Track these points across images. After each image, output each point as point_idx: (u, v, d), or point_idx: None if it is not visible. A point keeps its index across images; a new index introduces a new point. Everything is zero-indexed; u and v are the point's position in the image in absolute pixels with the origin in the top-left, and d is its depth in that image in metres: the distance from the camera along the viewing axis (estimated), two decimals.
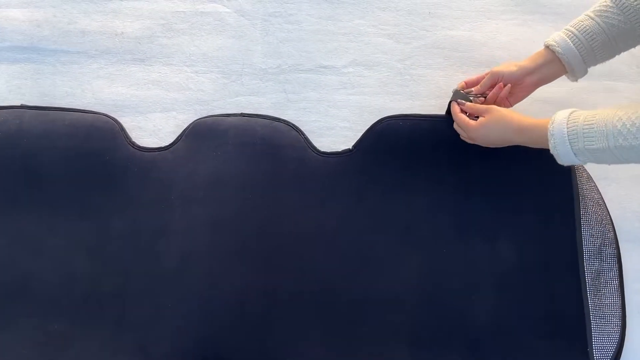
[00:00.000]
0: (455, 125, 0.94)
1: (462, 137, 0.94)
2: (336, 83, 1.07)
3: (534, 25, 1.12)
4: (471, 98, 0.94)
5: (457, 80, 1.01)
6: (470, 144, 0.93)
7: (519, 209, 0.97)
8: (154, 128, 1.03)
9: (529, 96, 0.93)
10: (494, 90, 0.91)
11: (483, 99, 0.93)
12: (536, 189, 0.97)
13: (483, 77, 0.93)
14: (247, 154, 0.98)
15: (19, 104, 1.02)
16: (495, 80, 0.91)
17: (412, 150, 0.99)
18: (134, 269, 0.92)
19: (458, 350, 0.90)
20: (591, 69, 0.88)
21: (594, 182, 0.99)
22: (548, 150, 0.79)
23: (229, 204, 0.95)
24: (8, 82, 1.04)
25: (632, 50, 0.85)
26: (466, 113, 0.92)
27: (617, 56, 0.87)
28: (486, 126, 0.87)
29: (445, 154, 0.99)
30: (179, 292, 0.91)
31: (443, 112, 1.01)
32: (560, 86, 0.94)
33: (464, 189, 0.97)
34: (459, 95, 0.94)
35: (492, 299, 0.92)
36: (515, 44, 1.10)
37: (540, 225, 0.96)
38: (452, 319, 0.91)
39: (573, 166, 0.98)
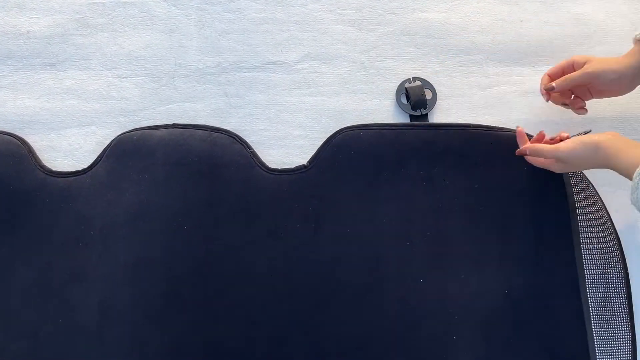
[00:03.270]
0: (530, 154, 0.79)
1: (540, 164, 0.79)
2: (288, 82, 0.90)
3: (522, 3, 0.95)
4: None
5: (432, 72, 0.84)
6: (437, 154, 0.78)
7: (505, 229, 0.81)
8: (69, 147, 0.86)
9: None
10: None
11: None
12: (524, 202, 0.82)
13: (565, 67, 0.80)
14: (181, 177, 0.82)
15: None
16: (586, 81, 0.77)
17: (376, 165, 0.83)
18: (43, 328, 0.76)
19: None
20: None
21: (595, 190, 0.83)
22: None
23: (158, 240, 0.79)
24: None
25: None
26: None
27: None
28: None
29: (415, 167, 0.83)
30: (98, 354, 0.75)
31: (415, 112, 0.85)
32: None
33: (439, 208, 0.82)
34: None
35: (478, 340, 0.77)
36: (501, 26, 0.93)
37: (531, 246, 0.81)
38: None
39: (567, 173, 0.82)
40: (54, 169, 0.84)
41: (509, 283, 0.79)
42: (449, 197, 0.82)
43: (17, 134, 0.85)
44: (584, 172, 0.84)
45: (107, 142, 0.86)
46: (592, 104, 0.82)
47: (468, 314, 0.78)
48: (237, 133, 0.86)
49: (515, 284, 0.79)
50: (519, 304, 0.79)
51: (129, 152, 0.84)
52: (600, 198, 0.83)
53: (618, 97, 0.80)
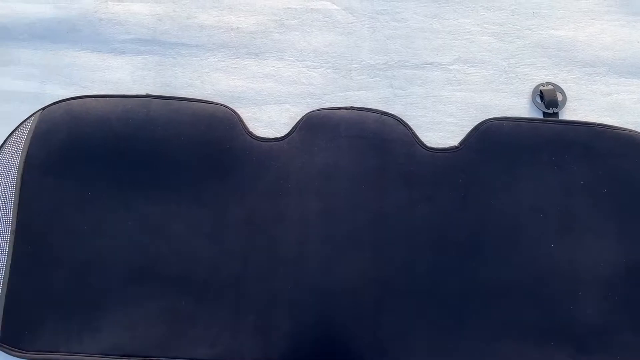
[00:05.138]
0: None
1: None
2: (442, 79, 1.11)
3: (638, 27, 1.13)
4: None
5: (561, 79, 1.04)
6: (566, 145, 0.98)
7: (624, 209, 0.99)
8: (269, 119, 1.09)
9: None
10: None
11: None
12: None
13: None
14: (359, 147, 1.03)
15: (144, 93, 1.08)
16: None
17: (515, 150, 1.02)
18: (251, 255, 0.98)
19: (566, 350, 0.93)
20: None
21: None
22: None
23: (342, 195, 1.00)
24: (133, 73, 1.11)
25: None
26: None
27: None
28: None
29: (547, 154, 1.02)
30: (295, 277, 0.96)
31: (548, 110, 1.04)
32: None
33: (567, 189, 1.00)
34: None
35: (600, 297, 0.95)
36: (620, 45, 1.12)
37: None
38: (559, 317, 0.94)
39: None
40: (258, 135, 1.06)
41: (626, 253, 0.97)
42: (575, 180, 1.01)
43: (230, 106, 1.08)
44: None
45: (299, 117, 1.07)
46: None
47: (591, 275, 0.96)
48: (401, 117, 1.07)
49: (632, 254, 0.97)
50: (635, 271, 0.96)
51: (318, 126, 1.06)
52: None
53: None
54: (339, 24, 1.14)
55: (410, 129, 1.06)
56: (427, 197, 1.01)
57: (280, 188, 1.02)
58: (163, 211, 1.00)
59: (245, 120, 1.07)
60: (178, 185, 1.02)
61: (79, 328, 0.95)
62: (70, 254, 0.98)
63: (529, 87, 1.09)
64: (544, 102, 1.08)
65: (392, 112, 1.07)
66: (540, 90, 1.08)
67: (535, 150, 1.02)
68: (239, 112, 1.07)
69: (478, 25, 1.14)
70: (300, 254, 0.98)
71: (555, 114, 1.07)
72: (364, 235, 0.99)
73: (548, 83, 1.09)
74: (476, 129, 1.05)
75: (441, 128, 1.07)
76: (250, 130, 1.06)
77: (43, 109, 1.07)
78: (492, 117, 1.06)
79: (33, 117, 1.06)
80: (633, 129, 1.03)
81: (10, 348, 0.94)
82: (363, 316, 0.95)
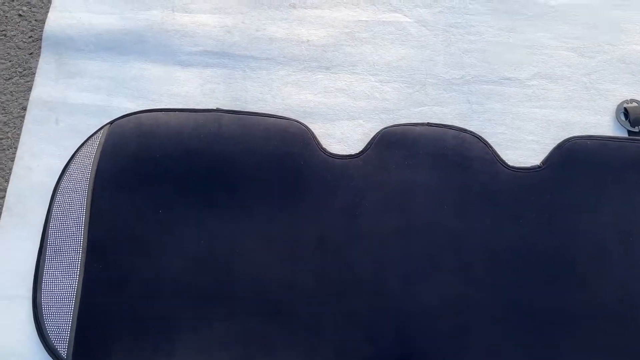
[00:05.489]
0: None
1: None
2: (521, 95, 1.07)
3: None
4: None
5: None
6: None
7: None
8: (341, 135, 1.05)
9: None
10: None
11: None
12: None
13: None
14: (439, 165, 1.00)
15: (214, 108, 1.06)
16: None
17: (601, 170, 0.98)
18: (326, 275, 0.95)
19: None
20: None
21: None
22: None
23: (422, 213, 0.97)
24: (202, 86, 1.09)
25: None
26: None
27: None
28: None
29: (634, 177, 0.97)
30: (372, 296, 0.93)
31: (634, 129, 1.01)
32: None
33: None
34: None
35: None
36: None
37: None
38: None
39: None
40: (332, 152, 1.03)
41: None
42: None
43: (302, 121, 1.05)
44: None
45: (372, 133, 1.04)
46: None
47: None
48: (479, 134, 1.03)
49: None
50: None
51: (394, 143, 1.02)
52: None
53: None
54: (411, 37, 1.11)
55: (490, 146, 1.02)
56: (511, 217, 0.97)
57: (357, 206, 0.98)
58: (236, 229, 0.97)
59: (318, 136, 1.04)
60: (251, 202, 0.99)
61: (150, 352, 0.91)
62: (140, 272, 0.95)
63: (611, 104, 1.05)
64: (628, 120, 1.04)
65: (470, 129, 1.03)
66: (625, 108, 1.04)
67: (622, 171, 0.98)
68: (311, 127, 1.04)
69: (556, 39, 1.10)
70: (378, 275, 0.94)
71: None
72: (445, 255, 0.95)
73: (632, 100, 1.05)
74: (559, 147, 1.01)
75: (521, 146, 1.03)
76: (324, 146, 1.03)
77: (112, 122, 1.04)
78: (574, 135, 1.02)
79: (102, 130, 1.03)
80: None
81: None
82: (445, 340, 0.91)
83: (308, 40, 1.11)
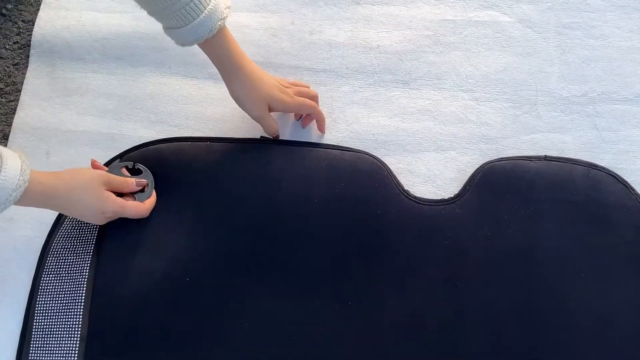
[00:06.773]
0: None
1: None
2: None
3: None
4: None
5: None
6: None
7: None
8: (428, 172, 0.79)
9: None
10: None
11: None
12: None
13: None
14: (568, 217, 0.73)
15: (257, 136, 0.79)
16: None
17: None
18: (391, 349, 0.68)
19: None
20: None
21: None
22: None
23: (549, 282, 0.70)
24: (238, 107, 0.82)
25: None
26: None
27: None
28: None
29: None
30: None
31: None
32: None
33: None
34: None
35: None
36: None
37: None
38: None
39: None
40: (417, 196, 0.76)
41: None
42: None
43: (374, 153, 0.79)
44: None
45: (469, 169, 0.78)
46: None
47: None
48: (614, 171, 0.77)
49: None
50: None
51: (503, 183, 0.76)
52: None
53: None
54: (514, 41, 0.84)
55: (632, 188, 0.75)
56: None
57: (456, 272, 0.72)
58: (294, 308, 0.71)
59: (396, 174, 0.77)
60: (316, 271, 0.72)
61: None
62: None
63: None
64: None
65: (602, 164, 0.77)
66: None
67: None
68: (386, 162, 0.77)
69: None
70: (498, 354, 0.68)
71: None
72: (589, 339, 0.68)
73: None
74: None
75: None
76: (406, 188, 0.76)
77: (122, 155, 0.78)
78: None
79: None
80: None
81: None
82: None
83: (378, 46, 0.85)
